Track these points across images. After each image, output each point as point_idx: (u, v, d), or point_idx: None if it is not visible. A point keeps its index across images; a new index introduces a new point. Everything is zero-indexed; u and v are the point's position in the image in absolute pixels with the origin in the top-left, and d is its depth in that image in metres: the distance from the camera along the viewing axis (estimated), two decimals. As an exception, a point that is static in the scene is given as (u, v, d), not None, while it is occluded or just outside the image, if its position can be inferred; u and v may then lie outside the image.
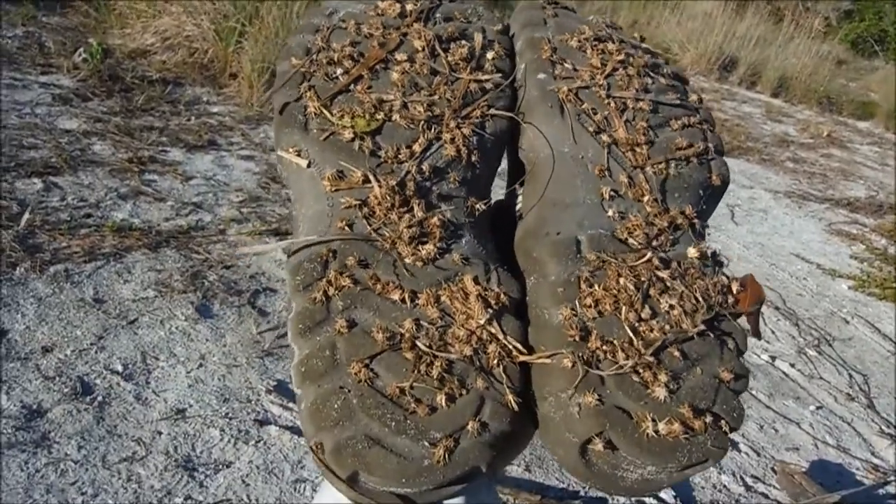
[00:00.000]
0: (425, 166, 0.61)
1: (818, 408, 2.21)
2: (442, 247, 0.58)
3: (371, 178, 0.59)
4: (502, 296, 0.56)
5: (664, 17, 9.54)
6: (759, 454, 1.94)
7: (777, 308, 2.79)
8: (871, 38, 11.63)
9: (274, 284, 2.11)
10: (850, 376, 2.43)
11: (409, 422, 0.48)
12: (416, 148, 0.61)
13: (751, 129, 5.94)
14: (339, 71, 0.64)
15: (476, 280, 0.56)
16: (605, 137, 0.65)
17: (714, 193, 0.68)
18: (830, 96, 7.93)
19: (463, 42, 0.69)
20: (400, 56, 0.66)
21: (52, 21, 3.85)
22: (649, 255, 0.59)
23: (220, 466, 1.45)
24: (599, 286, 0.56)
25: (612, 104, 0.67)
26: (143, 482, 1.37)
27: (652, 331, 0.55)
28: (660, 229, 0.61)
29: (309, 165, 0.60)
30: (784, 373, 2.36)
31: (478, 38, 0.70)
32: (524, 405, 0.52)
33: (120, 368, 1.62)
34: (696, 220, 0.64)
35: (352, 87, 0.64)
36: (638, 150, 0.65)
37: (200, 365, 1.70)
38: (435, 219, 0.59)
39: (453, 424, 0.49)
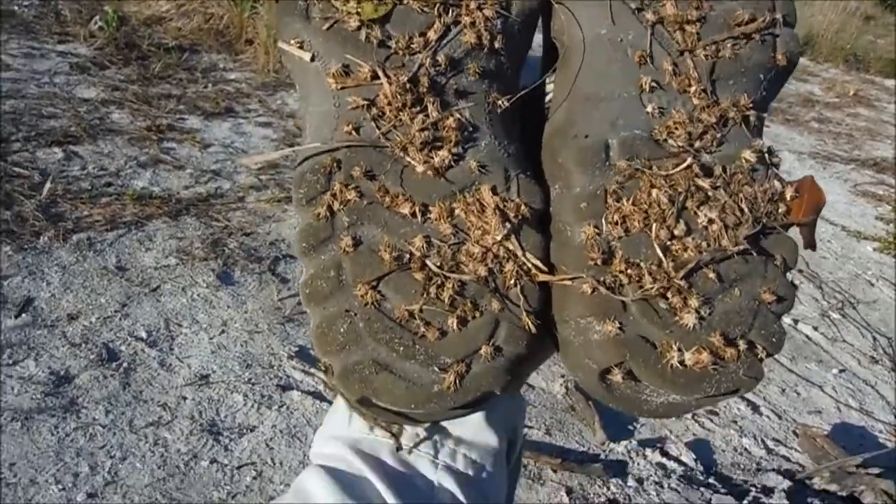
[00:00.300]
0: (441, 57, 0.54)
1: (841, 371, 2.20)
2: (458, 152, 0.53)
3: (380, 73, 0.53)
4: (523, 207, 0.52)
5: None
6: (780, 417, 1.93)
7: (800, 271, 2.75)
8: (900, -8, 11.26)
9: (294, 251, 2.12)
10: (875, 339, 2.41)
11: (418, 346, 0.47)
12: (431, 35, 0.54)
13: (775, 88, 5.82)
14: None
15: (494, 190, 0.52)
16: (649, 15, 0.56)
17: (778, 76, 0.59)
18: (857, 54, 7.73)
19: None
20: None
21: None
22: (689, 160, 0.52)
23: (245, 431, 1.47)
24: (628, 200, 0.51)
25: None
26: (170, 446, 1.40)
27: (685, 250, 0.50)
28: (706, 126, 0.54)
29: (313, 59, 0.54)
30: (807, 336, 2.34)
31: None
32: (543, 326, 0.50)
33: (144, 335, 1.65)
34: (750, 112, 0.56)
35: None
36: (688, 28, 0.56)
37: (223, 331, 1.72)
38: (451, 119, 0.53)
39: (465, 349, 0.47)
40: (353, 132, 0.52)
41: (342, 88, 0.53)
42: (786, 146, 4.32)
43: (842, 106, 5.71)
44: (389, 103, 0.52)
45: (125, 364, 1.56)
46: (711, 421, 1.86)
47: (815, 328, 2.39)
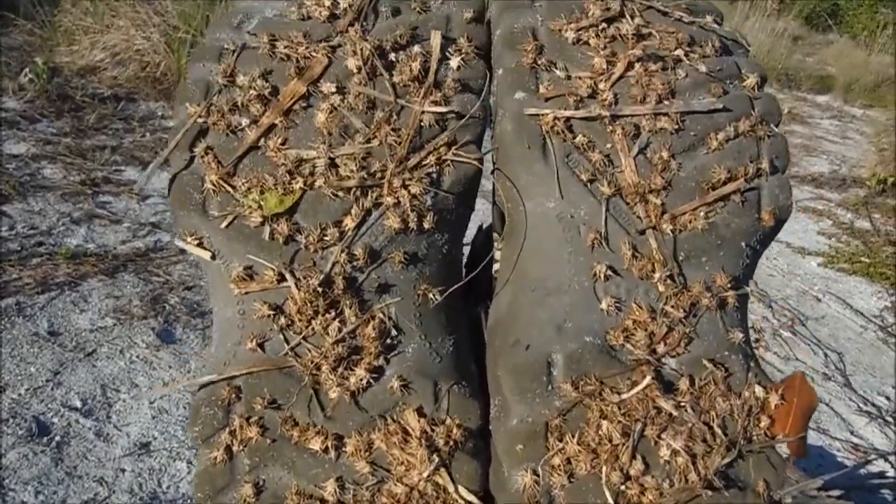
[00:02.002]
0: (359, 249, 0.47)
1: (796, 390, 2.21)
2: (379, 365, 0.45)
3: (287, 276, 0.46)
4: (455, 430, 0.44)
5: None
6: (740, 442, 1.93)
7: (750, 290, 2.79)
8: (824, 12, 11.79)
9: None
10: (826, 355, 2.44)
11: None
12: (348, 223, 0.48)
13: (713, 110, 5.98)
14: (244, 121, 0.50)
15: (421, 411, 0.44)
16: (603, 187, 0.48)
17: (764, 238, 0.51)
18: (789, 72, 8.01)
19: (415, 49, 0.51)
20: (327, 86, 0.50)
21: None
22: (648, 379, 0.44)
23: (189, 501, 1.39)
24: (573, 438, 0.43)
25: (619, 131, 0.49)
26: (108, 524, 1.31)
27: (643, 493, 0.42)
28: (672, 322, 0.46)
29: (214, 257, 0.48)
30: (760, 357, 2.36)
31: (435, 39, 0.52)
32: None
33: (78, 404, 1.56)
34: (728, 294, 0.48)
35: (262, 142, 0.49)
36: (651, 198, 0.48)
37: (163, 394, 1.64)
38: (371, 325, 0.46)
39: None
40: (258, 348, 0.46)
41: (246, 294, 0.47)
42: (727, 166, 4.42)
43: (778, 124, 5.89)
44: (299, 311, 0.46)
45: (57, 437, 1.47)
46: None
47: (767, 348, 2.40)
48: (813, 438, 2.00)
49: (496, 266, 0.53)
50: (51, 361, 1.65)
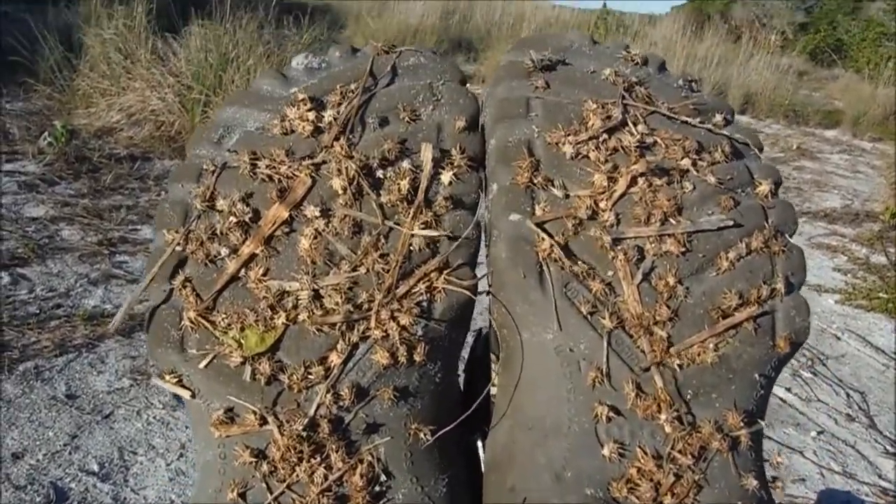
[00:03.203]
0: (345, 388, 0.44)
1: (819, 433, 2.17)
2: None
3: (269, 419, 0.43)
4: None
5: (626, 46, 9.72)
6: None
7: (767, 331, 2.76)
8: (828, 48, 11.89)
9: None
10: (848, 395, 2.40)
11: None
12: (334, 359, 0.44)
13: (722, 148, 6.00)
14: (224, 250, 0.47)
15: None
16: (605, 319, 0.44)
17: (779, 364, 0.46)
18: (796, 108, 8.06)
19: (404, 164, 0.48)
20: (310, 210, 0.47)
21: (15, 107, 3.83)
22: None
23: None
24: None
25: (621, 256, 0.45)
26: (126, 592, 1.30)
27: None
28: (679, 469, 0.42)
29: (194, 396, 0.45)
30: (781, 398, 2.32)
31: (426, 154, 0.49)
32: None
33: (96, 468, 1.56)
34: (741, 432, 0.43)
35: (242, 272, 0.46)
36: (656, 331, 0.44)
37: (181, 455, 1.64)
38: (359, 470, 0.43)
39: None
40: (240, 499, 0.43)
41: (227, 437, 0.44)
42: (739, 205, 4.41)
43: (787, 160, 5.90)
44: (283, 457, 0.43)
45: (75, 503, 1.46)
46: (696, 500, 1.81)
47: (789, 389, 2.37)
48: (840, 483, 1.96)
49: (494, 389, 0.50)
50: (69, 425, 1.66)
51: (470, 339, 0.54)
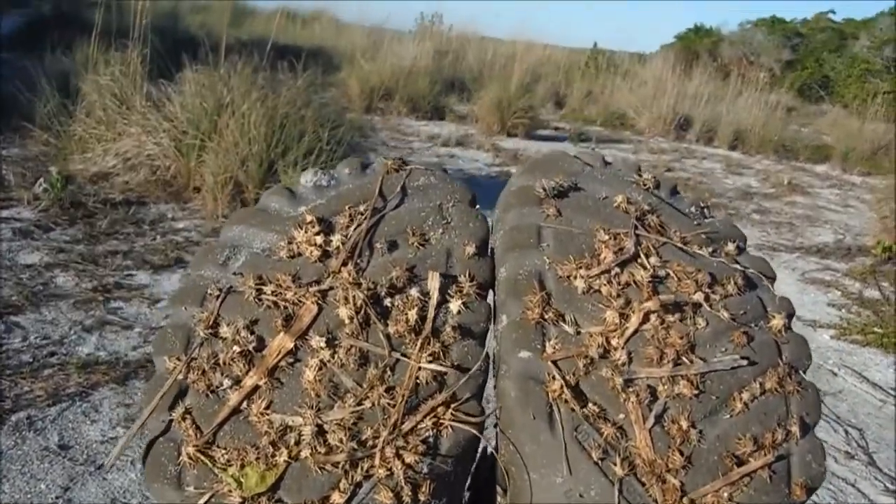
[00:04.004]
0: None
1: (819, 471, 2.16)
2: None
3: None
4: None
5: (616, 86, 9.87)
6: (765, 531, 1.87)
7: (763, 368, 2.76)
8: (815, 84, 12.09)
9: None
10: (847, 432, 2.39)
11: None
12: (336, 499, 0.43)
13: (713, 184, 6.06)
14: (226, 382, 0.45)
15: None
16: (616, 466, 0.42)
17: None
18: (785, 144, 8.17)
19: (413, 293, 0.47)
20: (316, 340, 0.45)
21: (11, 153, 3.86)
22: None
23: None
24: None
25: (633, 398, 0.44)
26: None
27: None
28: None
29: None
30: (779, 437, 2.31)
31: (434, 283, 0.48)
32: None
33: (88, 521, 1.54)
34: None
35: (244, 405, 0.45)
36: (669, 479, 0.42)
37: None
38: None
39: None
40: None
41: None
42: (731, 241, 4.44)
43: (779, 195, 5.95)
44: None
45: (67, 558, 1.44)
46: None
47: None
48: (841, 523, 1.94)
49: None
50: (61, 477, 1.64)
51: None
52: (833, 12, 14.29)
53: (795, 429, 0.45)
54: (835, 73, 12.06)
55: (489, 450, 0.50)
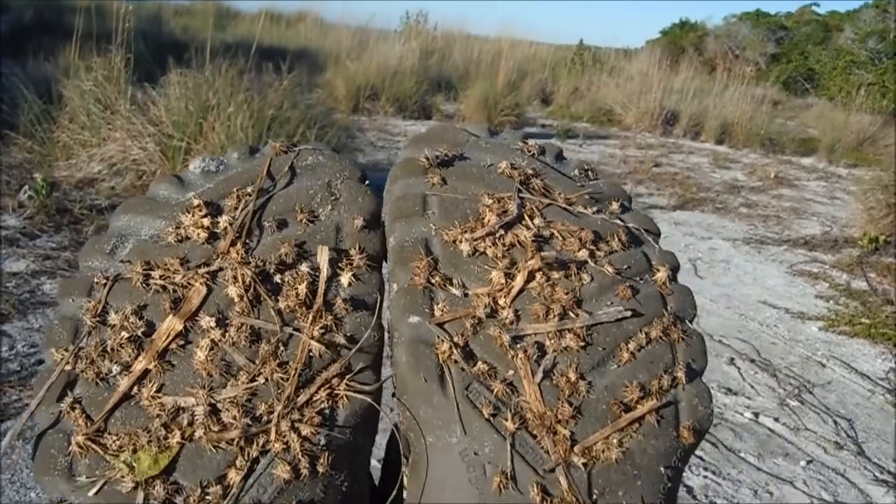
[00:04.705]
0: None
1: (809, 462, 2.17)
2: None
3: None
4: None
5: (603, 81, 9.90)
6: (757, 522, 1.88)
7: (753, 360, 2.77)
8: (800, 77, 12.17)
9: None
10: (836, 423, 2.41)
11: None
12: (233, 477, 0.42)
13: (700, 179, 6.09)
14: (115, 368, 0.45)
15: None
16: (507, 421, 0.44)
17: (684, 455, 0.46)
18: (772, 137, 8.22)
19: (303, 268, 0.48)
20: (206, 320, 0.45)
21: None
22: None
23: None
24: None
25: (521, 354, 0.45)
26: None
27: None
28: None
29: None
30: (769, 429, 2.33)
31: (323, 256, 0.49)
32: None
33: (79, 529, 1.53)
34: None
35: (135, 390, 0.44)
36: (560, 430, 0.44)
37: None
38: None
39: None
40: None
41: None
42: (719, 234, 4.46)
43: (766, 189, 5.99)
44: None
45: (58, 567, 1.43)
46: (688, 537, 1.80)
47: (777, 419, 2.38)
48: (831, 513, 1.95)
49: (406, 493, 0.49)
50: (50, 485, 1.63)
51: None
52: (817, 5, 14.39)
53: (682, 374, 0.46)
54: (820, 65, 12.13)
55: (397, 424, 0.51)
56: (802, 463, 2.16)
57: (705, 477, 2.02)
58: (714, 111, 8.41)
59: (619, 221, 0.52)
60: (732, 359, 2.78)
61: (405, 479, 0.49)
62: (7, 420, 1.80)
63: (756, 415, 2.39)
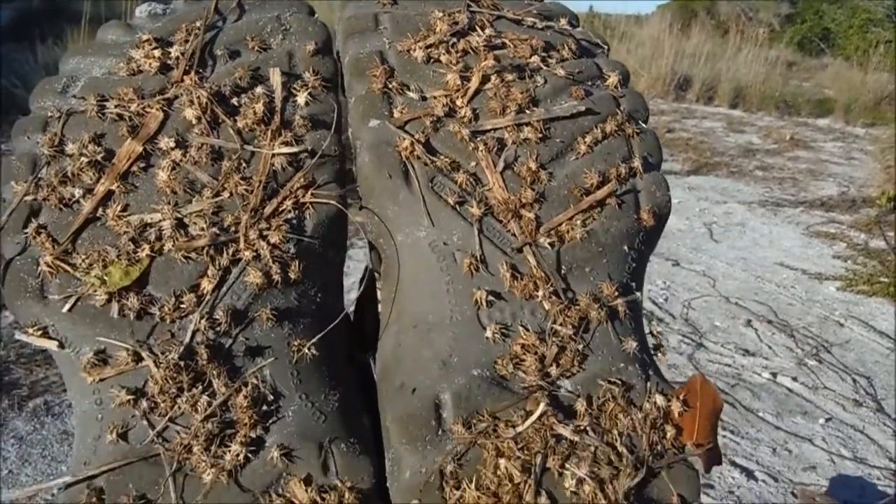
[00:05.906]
0: (221, 312, 0.43)
1: (828, 420, 2.18)
2: (257, 436, 0.41)
3: (144, 354, 0.41)
4: (347, 495, 0.40)
5: (614, 48, 9.76)
6: (776, 480, 1.89)
7: (770, 322, 2.77)
8: (815, 37, 11.95)
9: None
10: (854, 381, 2.40)
11: None
12: (205, 286, 0.43)
13: (714, 143, 6.03)
14: (78, 192, 0.45)
15: (308, 480, 0.40)
16: (473, 208, 0.45)
17: (648, 238, 0.48)
18: (787, 99, 8.09)
19: (258, 90, 0.49)
20: (165, 141, 0.46)
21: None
22: (543, 406, 0.41)
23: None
24: (471, 483, 0.40)
25: (482, 147, 0.47)
26: None
27: None
28: (562, 341, 0.43)
29: (62, 346, 0.43)
30: (788, 388, 2.33)
31: (275, 76, 0.49)
32: None
33: (110, 499, 1.57)
34: (618, 301, 0.45)
35: (100, 212, 0.45)
36: (525, 213, 0.45)
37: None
38: (243, 392, 0.41)
39: None
40: (120, 440, 0.41)
41: (102, 380, 0.42)
42: (734, 198, 4.43)
43: (781, 151, 5.92)
44: (162, 390, 0.41)
45: (92, 535, 1.48)
46: (707, 495, 1.82)
47: (795, 378, 2.38)
48: (851, 469, 1.96)
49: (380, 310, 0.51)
50: (81, 458, 1.67)
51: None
52: (831, -37, 14.06)
53: (639, 164, 0.48)
54: (835, 24, 11.90)
55: (368, 267, 0.52)
56: (821, 421, 2.17)
57: (723, 437, 2.03)
58: (727, 75, 8.29)
59: (568, 30, 0.55)
60: (749, 320, 2.77)
61: (378, 292, 0.50)
62: (37, 397, 1.85)
63: (774, 375, 2.40)
